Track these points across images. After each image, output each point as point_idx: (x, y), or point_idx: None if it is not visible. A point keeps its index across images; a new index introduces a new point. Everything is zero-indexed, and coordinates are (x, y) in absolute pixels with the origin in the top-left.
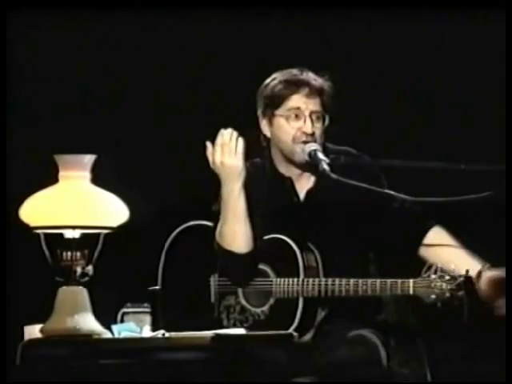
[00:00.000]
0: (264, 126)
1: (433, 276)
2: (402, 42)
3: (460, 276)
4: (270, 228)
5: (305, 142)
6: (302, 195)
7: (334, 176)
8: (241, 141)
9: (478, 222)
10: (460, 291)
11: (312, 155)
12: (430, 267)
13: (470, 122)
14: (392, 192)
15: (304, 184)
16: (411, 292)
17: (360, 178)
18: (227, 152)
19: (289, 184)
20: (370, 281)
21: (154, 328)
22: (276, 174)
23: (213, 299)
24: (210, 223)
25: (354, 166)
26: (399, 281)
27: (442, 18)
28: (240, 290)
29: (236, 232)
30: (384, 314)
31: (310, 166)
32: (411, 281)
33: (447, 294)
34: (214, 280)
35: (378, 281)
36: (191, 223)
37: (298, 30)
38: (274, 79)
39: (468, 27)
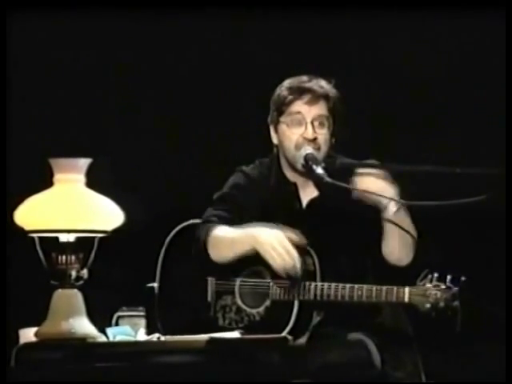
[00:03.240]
0: (272, 132)
1: (428, 285)
2: (402, 42)
3: (455, 286)
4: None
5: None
6: (304, 203)
7: (329, 180)
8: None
9: (473, 225)
10: (455, 301)
11: (307, 159)
12: (426, 276)
13: (470, 123)
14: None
15: (309, 192)
16: (406, 300)
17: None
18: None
19: (293, 190)
20: (365, 287)
21: (149, 331)
22: (282, 177)
23: (209, 298)
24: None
25: (350, 169)
26: (395, 288)
27: (442, 18)
28: (237, 291)
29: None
30: (379, 318)
31: (308, 170)
32: (407, 289)
33: (441, 304)
34: (211, 279)
35: (374, 287)
36: (190, 222)
37: (316, 33)
38: (282, 86)
39: (468, 27)
